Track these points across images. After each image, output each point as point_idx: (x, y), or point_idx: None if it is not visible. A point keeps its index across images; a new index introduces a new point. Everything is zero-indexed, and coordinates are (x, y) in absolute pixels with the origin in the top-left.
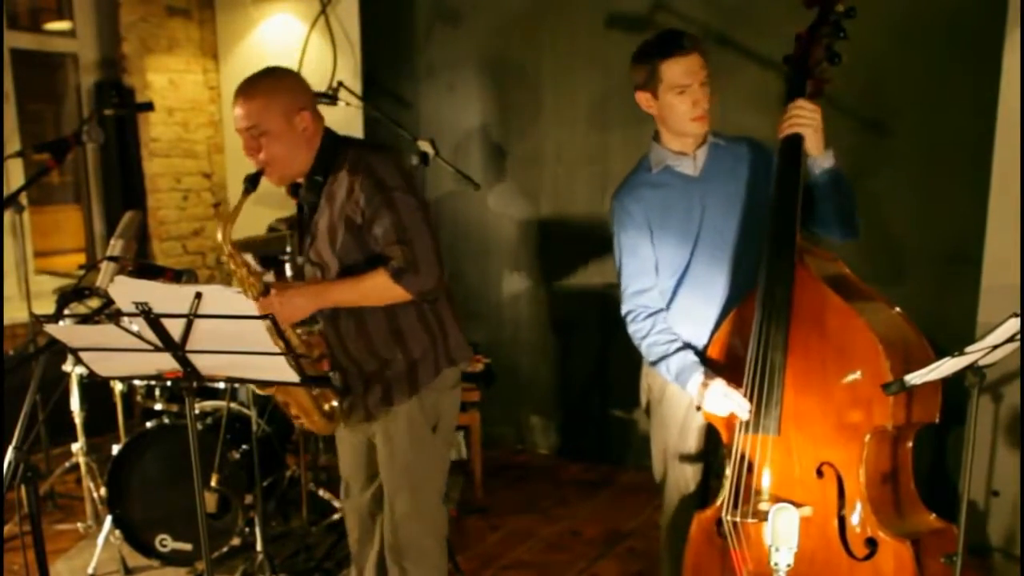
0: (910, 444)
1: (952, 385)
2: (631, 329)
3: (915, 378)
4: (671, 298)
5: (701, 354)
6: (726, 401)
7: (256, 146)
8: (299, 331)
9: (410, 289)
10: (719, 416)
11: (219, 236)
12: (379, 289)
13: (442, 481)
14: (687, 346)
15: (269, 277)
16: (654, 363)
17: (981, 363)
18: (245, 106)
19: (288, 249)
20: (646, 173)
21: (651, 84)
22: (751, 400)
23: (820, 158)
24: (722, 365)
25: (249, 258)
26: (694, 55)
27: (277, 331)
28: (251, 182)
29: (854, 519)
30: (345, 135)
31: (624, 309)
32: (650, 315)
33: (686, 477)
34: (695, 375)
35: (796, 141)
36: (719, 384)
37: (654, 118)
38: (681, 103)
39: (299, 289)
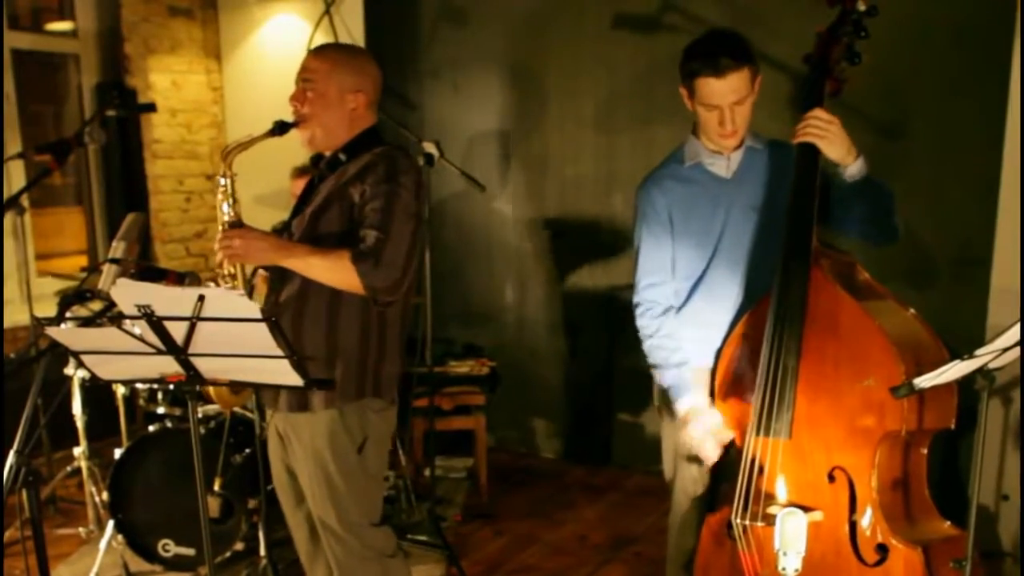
0: (924, 450)
1: (962, 389)
2: (638, 323)
3: (924, 381)
4: (684, 301)
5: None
6: (706, 436)
7: (302, 98)
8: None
9: (363, 277)
10: (730, 417)
11: (222, 157)
12: (335, 264)
13: (375, 502)
14: (686, 362)
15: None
16: (652, 367)
17: (991, 366)
18: (312, 61)
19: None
20: (677, 165)
21: (687, 86)
22: (763, 402)
23: (847, 167)
24: (733, 370)
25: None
26: (732, 76)
27: (279, 331)
28: (280, 127)
29: (865, 524)
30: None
31: (635, 300)
32: (659, 315)
33: (694, 479)
34: (685, 396)
35: (811, 146)
36: (708, 420)
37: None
38: (710, 120)
39: (265, 235)
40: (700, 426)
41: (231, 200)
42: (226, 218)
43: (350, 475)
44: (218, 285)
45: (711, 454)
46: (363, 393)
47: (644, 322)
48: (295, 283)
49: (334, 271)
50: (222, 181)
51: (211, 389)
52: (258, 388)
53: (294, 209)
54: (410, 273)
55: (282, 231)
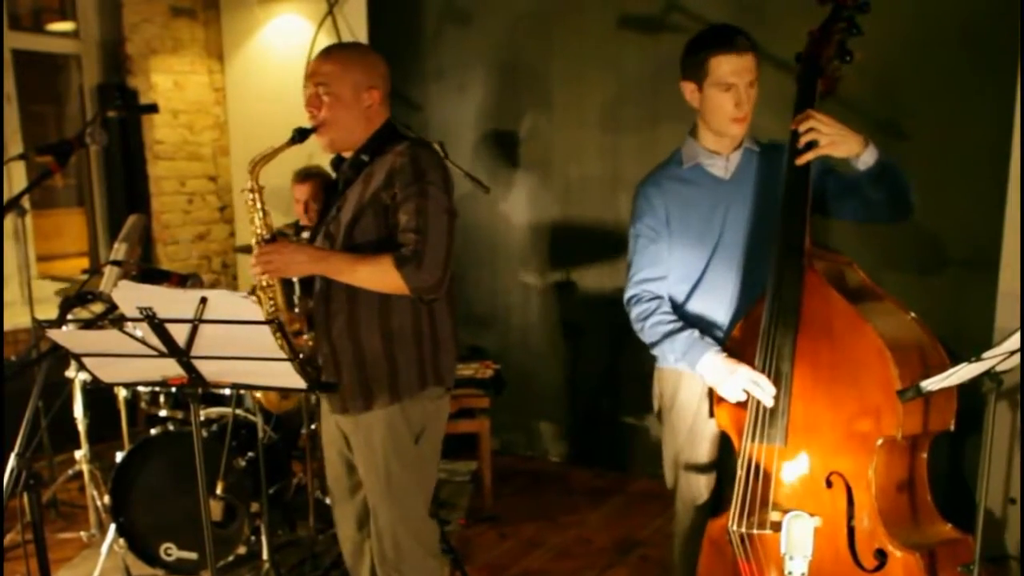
0: (925, 454)
1: (969, 391)
2: (633, 313)
3: (931, 384)
4: (683, 303)
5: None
6: (752, 386)
7: (318, 103)
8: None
9: (408, 280)
10: (730, 421)
11: (248, 170)
12: (379, 271)
13: (427, 494)
14: (691, 328)
15: None
16: (657, 343)
17: (998, 369)
18: (322, 65)
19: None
20: (676, 167)
21: (698, 75)
22: (758, 408)
23: (860, 157)
24: None
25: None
26: (747, 56)
27: (282, 334)
28: (300, 134)
29: (863, 530)
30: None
31: (628, 294)
32: (654, 297)
33: (697, 486)
34: (707, 353)
35: (806, 149)
36: (746, 368)
37: (696, 112)
38: (724, 101)
39: (303, 247)
40: (744, 372)
41: (261, 213)
42: (259, 231)
43: (409, 466)
44: (255, 296)
45: (767, 388)
46: (425, 384)
47: (640, 308)
48: (341, 292)
49: (378, 277)
50: (250, 195)
51: (260, 394)
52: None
53: (321, 214)
54: (450, 268)
55: (313, 237)
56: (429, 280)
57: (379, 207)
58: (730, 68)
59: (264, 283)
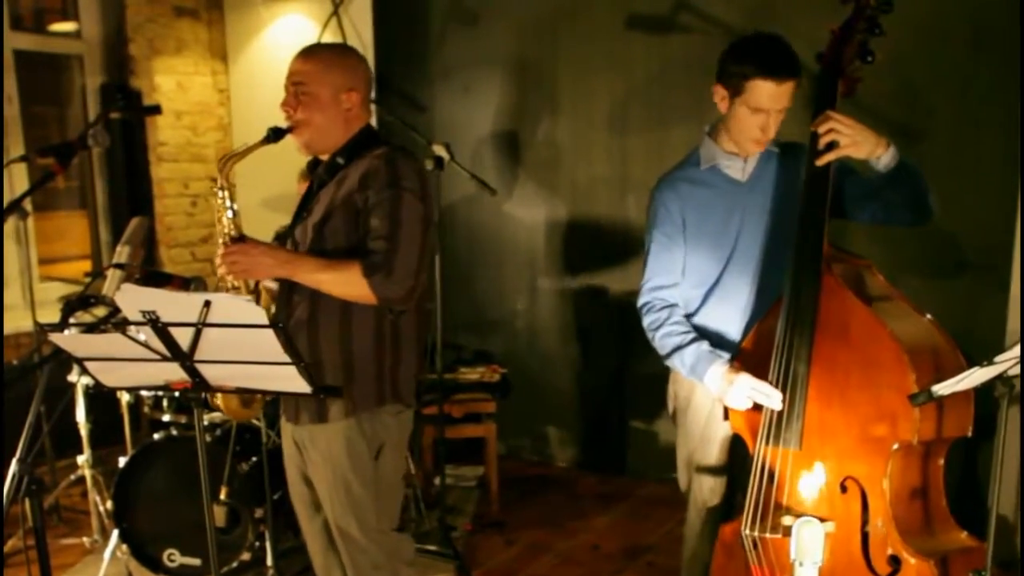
0: (941, 461)
1: (982, 396)
2: (646, 321)
3: (943, 388)
4: (697, 308)
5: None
6: (753, 394)
7: (295, 103)
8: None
9: (375, 290)
10: (744, 424)
11: (218, 168)
12: (345, 278)
13: (393, 508)
14: (702, 340)
15: None
16: (668, 356)
17: (1011, 373)
18: (301, 64)
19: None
20: (693, 168)
21: (733, 88)
22: (773, 411)
23: (880, 158)
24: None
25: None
26: (788, 84)
27: (286, 338)
28: (275, 133)
29: (877, 535)
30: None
31: (640, 301)
32: (667, 306)
33: (709, 489)
34: (713, 366)
35: (826, 150)
36: (745, 377)
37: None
38: (752, 123)
39: (270, 249)
40: (744, 381)
41: (231, 212)
42: (227, 230)
43: (368, 482)
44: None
45: (772, 394)
46: (383, 400)
47: (652, 316)
48: (305, 296)
49: (345, 284)
50: (220, 193)
51: (220, 400)
52: (270, 398)
53: (294, 216)
54: (422, 279)
55: (284, 239)
56: (398, 291)
57: (351, 209)
58: (766, 95)
59: (230, 284)
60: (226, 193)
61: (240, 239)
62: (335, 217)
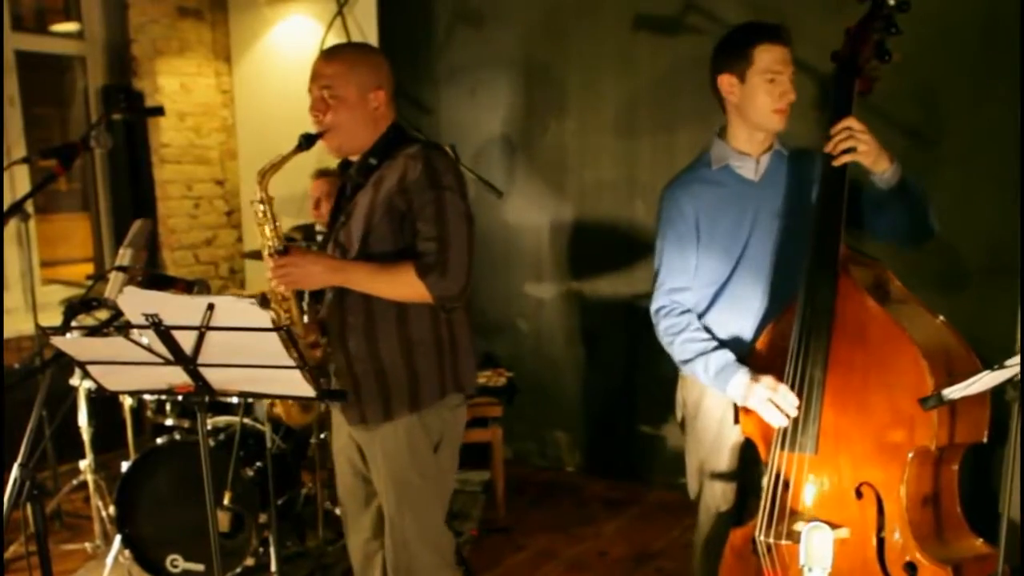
0: (956, 466)
1: (993, 400)
2: (663, 325)
3: (953, 392)
4: (706, 308)
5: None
6: (770, 404)
7: (324, 107)
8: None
9: (432, 290)
10: (756, 430)
11: (257, 181)
12: (401, 281)
13: (445, 503)
14: (723, 347)
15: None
16: (689, 360)
17: (1021, 376)
18: (326, 67)
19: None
20: (704, 169)
21: (740, 66)
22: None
23: (882, 173)
24: None
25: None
26: (788, 48)
27: (291, 341)
28: (307, 140)
29: (893, 542)
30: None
31: (656, 305)
32: (684, 312)
33: (720, 495)
34: (737, 375)
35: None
36: (768, 380)
37: (725, 111)
38: (769, 91)
39: (319, 257)
40: (766, 385)
41: (272, 224)
42: (271, 242)
43: (427, 476)
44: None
45: (790, 400)
46: (445, 392)
47: (669, 321)
48: (358, 301)
49: (400, 286)
50: (260, 207)
51: (280, 408)
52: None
53: (330, 220)
54: (472, 274)
55: (323, 245)
56: (454, 288)
57: (394, 214)
58: (774, 57)
59: (280, 296)
60: (267, 206)
61: (286, 250)
62: (380, 224)
